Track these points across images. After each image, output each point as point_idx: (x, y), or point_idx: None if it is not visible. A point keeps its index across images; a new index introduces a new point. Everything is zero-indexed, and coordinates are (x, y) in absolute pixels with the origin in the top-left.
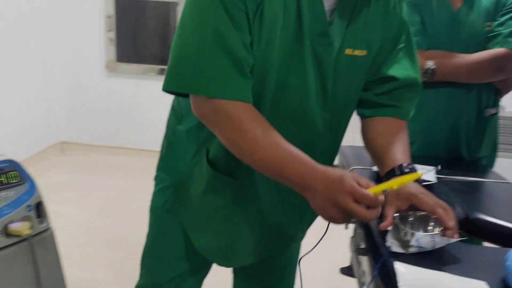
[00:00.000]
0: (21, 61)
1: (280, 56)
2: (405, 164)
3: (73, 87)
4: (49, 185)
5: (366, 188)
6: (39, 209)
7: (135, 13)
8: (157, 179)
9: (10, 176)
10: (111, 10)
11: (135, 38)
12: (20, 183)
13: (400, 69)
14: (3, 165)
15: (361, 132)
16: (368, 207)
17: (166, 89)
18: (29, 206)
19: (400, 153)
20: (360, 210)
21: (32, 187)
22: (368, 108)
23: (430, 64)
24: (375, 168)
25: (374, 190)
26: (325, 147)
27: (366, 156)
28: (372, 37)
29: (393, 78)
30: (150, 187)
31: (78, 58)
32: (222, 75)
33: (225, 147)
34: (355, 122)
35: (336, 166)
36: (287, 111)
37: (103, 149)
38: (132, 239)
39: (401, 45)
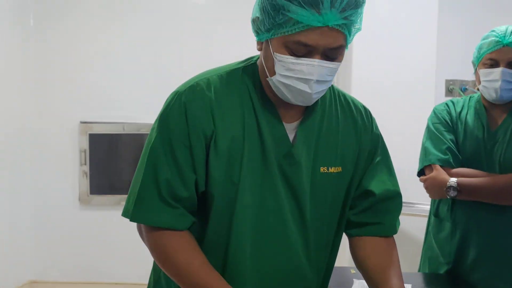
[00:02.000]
0: None
1: (249, 177)
2: None
3: (43, 221)
4: None
5: None
6: None
7: (108, 146)
8: None
9: None
10: (85, 144)
11: (109, 170)
12: None
13: (377, 183)
14: None
15: (350, 251)
16: None
17: (122, 215)
18: None
19: (395, 278)
20: None
21: None
22: (353, 228)
23: (452, 181)
24: None
25: None
26: (312, 272)
27: (344, 275)
28: (345, 154)
29: (371, 193)
30: None
31: (48, 192)
32: (150, 206)
33: None
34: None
35: None
36: (269, 235)
37: (76, 286)
38: None
39: (377, 159)
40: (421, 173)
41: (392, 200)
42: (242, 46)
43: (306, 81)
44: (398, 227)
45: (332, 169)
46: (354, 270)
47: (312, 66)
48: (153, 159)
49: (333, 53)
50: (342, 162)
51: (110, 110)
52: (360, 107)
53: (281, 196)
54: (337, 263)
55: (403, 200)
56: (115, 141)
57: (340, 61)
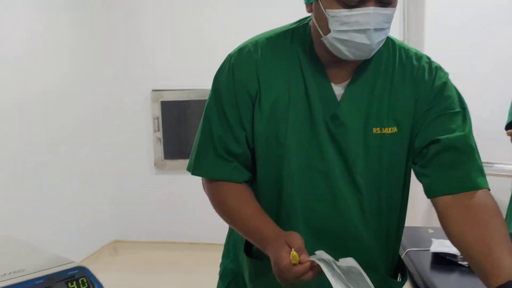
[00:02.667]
0: (73, 163)
1: (296, 137)
2: None
3: (123, 187)
4: (105, 286)
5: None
6: None
7: (178, 113)
8: (220, 265)
9: (80, 282)
10: (157, 111)
11: (180, 136)
12: None
13: (441, 132)
14: (74, 272)
15: (440, 224)
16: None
17: (187, 169)
18: None
19: (505, 255)
20: (289, 278)
21: None
22: (427, 185)
23: None
24: (432, 249)
25: (295, 258)
26: (369, 235)
27: (422, 236)
28: (401, 113)
29: (436, 141)
30: (201, 281)
31: (126, 159)
32: (207, 160)
33: None
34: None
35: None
36: (318, 196)
37: (154, 245)
38: None
39: (441, 112)
40: (509, 126)
41: (464, 149)
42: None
43: (363, 31)
44: (484, 182)
45: (385, 130)
46: (432, 230)
47: (368, 15)
48: (208, 117)
49: None
50: (397, 122)
51: (179, 78)
52: (424, 63)
53: (329, 157)
54: (414, 223)
55: (483, 160)
56: (184, 108)
57: (395, 6)
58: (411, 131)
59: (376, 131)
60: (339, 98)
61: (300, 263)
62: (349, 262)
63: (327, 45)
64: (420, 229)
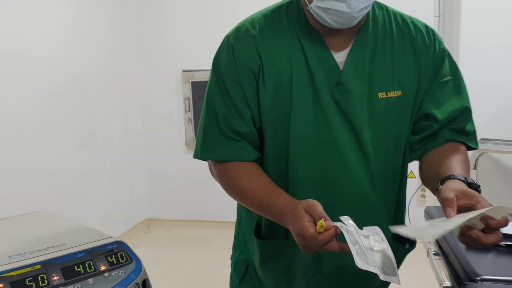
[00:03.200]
0: (106, 145)
1: (301, 108)
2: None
3: (155, 166)
4: None
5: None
6: (145, 286)
7: None
8: (232, 257)
9: (119, 256)
10: (188, 92)
11: None
12: (127, 262)
13: (441, 106)
14: (112, 246)
15: (419, 172)
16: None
17: (194, 157)
18: (137, 283)
19: (457, 164)
20: (311, 245)
21: (138, 266)
22: (418, 150)
23: None
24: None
25: (320, 226)
26: (380, 203)
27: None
28: (404, 77)
29: (433, 118)
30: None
31: (158, 139)
32: (214, 142)
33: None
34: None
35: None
36: (327, 165)
37: (185, 223)
38: None
39: (442, 79)
40: None
41: (460, 116)
42: None
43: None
44: (475, 142)
45: (391, 94)
46: None
47: None
48: (211, 100)
49: None
50: (401, 86)
51: (209, 58)
52: (421, 26)
53: (336, 126)
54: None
55: (506, 138)
56: None
57: None
58: (415, 96)
59: (382, 95)
60: (341, 66)
61: (325, 230)
62: (374, 230)
63: (313, 14)
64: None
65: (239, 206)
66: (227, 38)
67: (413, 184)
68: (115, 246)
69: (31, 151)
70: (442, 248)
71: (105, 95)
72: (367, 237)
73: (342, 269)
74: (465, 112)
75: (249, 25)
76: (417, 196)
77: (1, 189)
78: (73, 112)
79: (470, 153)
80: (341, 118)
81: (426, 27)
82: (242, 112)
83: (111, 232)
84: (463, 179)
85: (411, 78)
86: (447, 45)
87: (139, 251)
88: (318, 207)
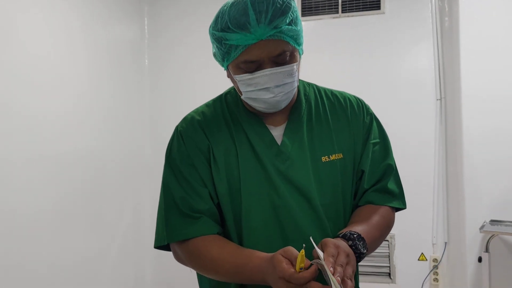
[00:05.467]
0: (114, 231)
1: (249, 180)
2: (349, 233)
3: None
4: None
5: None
6: None
7: None
8: None
9: None
10: None
11: None
12: None
13: (367, 161)
14: None
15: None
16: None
17: (155, 247)
18: None
19: (359, 222)
20: (293, 286)
21: None
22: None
23: None
24: None
25: (298, 265)
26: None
27: None
28: (342, 141)
29: (363, 180)
30: None
31: None
32: (176, 224)
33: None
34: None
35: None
36: (282, 232)
37: None
38: None
39: (371, 142)
40: None
41: (384, 174)
42: None
43: (266, 90)
44: (400, 201)
45: (333, 157)
46: None
47: (266, 76)
48: (166, 186)
49: (280, 59)
50: (341, 149)
51: None
52: (350, 98)
53: (284, 192)
54: (460, 287)
55: None
56: None
57: (293, 62)
58: (353, 158)
59: (325, 159)
60: (281, 137)
61: (305, 268)
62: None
63: (246, 102)
64: None
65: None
66: (176, 128)
67: (425, 266)
68: None
69: (41, 245)
70: None
71: (115, 176)
72: None
73: None
74: (388, 170)
75: (194, 114)
76: (429, 280)
77: (7, 281)
78: (82, 195)
79: (481, 236)
80: (289, 186)
81: (356, 98)
82: (199, 191)
83: None
84: (344, 234)
85: (348, 141)
86: (455, 130)
87: None
88: (294, 250)
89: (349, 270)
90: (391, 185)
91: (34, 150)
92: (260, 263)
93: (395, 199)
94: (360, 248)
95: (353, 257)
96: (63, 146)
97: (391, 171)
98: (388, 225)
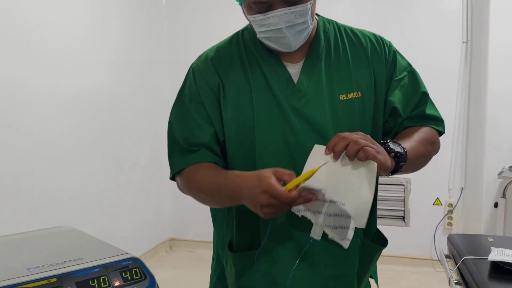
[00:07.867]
0: (133, 165)
1: (264, 118)
2: (388, 140)
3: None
4: (160, 281)
5: (286, 181)
6: None
7: None
8: (210, 284)
9: (133, 272)
10: None
11: None
12: (141, 279)
13: (401, 99)
14: (128, 262)
15: None
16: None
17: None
18: None
19: (403, 135)
20: (277, 203)
21: (152, 283)
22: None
23: None
24: (490, 258)
25: (289, 186)
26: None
27: (480, 244)
28: (361, 79)
29: (398, 113)
30: None
31: None
32: (177, 157)
33: (237, 229)
34: (467, 205)
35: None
36: (295, 169)
37: (207, 244)
38: None
39: (398, 77)
40: None
41: (419, 102)
42: None
43: (278, 30)
44: (439, 125)
45: (351, 95)
46: (491, 239)
47: (277, 16)
48: (170, 125)
49: None
50: (359, 88)
51: None
52: (370, 36)
53: (300, 131)
54: (473, 231)
55: None
56: None
57: (305, 2)
58: (375, 97)
59: (343, 97)
60: (298, 75)
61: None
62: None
63: (261, 40)
64: (480, 237)
65: (214, 239)
66: (190, 67)
67: (440, 211)
68: (130, 262)
69: (61, 171)
70: (464, 277)
71: (134, 116)
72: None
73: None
74: (423, 97)
75: (209, 51)
76: (443, 224)
77: (31, 205)
78: (102, 134)
79: (498, 182)
80: (304, 124)
81: (374, 35)
82: (203, 127)
83: (134, 250)
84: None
85: (367, 80)
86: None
87: (161, 271)
88: (285, 170)
89: (362, 141)
90: (429, 110)
91: (57, 83)
92: (240, 180)
93: (436, 121)
94: (392, 147)
95: (371, 140)
96: (83, 80)
97: (427, 97)
98: (431, 141)
